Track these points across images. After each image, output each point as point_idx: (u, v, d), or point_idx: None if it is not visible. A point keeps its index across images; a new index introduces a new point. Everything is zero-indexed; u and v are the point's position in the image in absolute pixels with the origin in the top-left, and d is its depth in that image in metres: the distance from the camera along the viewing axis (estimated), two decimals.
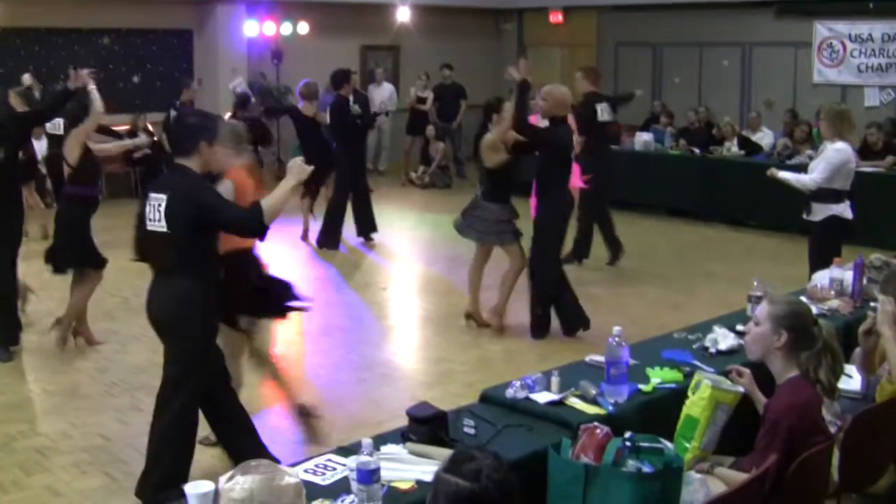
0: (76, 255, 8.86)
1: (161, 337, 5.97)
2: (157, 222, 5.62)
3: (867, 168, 13.36)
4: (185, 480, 4.98)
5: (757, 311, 4.75)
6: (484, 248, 9.63)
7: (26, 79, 13.60)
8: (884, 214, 8.85)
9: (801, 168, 10.16)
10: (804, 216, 9.07)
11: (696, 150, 16.19)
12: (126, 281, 11.20)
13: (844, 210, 8.87)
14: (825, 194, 8.81)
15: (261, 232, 5.67)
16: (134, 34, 18.70)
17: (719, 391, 4.56)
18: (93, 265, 8.95)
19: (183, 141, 5.82)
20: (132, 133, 17.52)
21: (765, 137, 16.48)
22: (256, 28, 19.42)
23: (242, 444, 6.18)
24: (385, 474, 3.91)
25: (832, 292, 6.85)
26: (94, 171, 9.00)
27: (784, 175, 9.24)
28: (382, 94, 20.29)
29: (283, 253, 12.19)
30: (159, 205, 5.60)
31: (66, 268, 8.94)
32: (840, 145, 8.80)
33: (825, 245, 8.18)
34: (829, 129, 8.91)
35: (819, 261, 7.99)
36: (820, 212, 8.88)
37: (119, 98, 18.17)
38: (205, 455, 6.75)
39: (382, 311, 10.69)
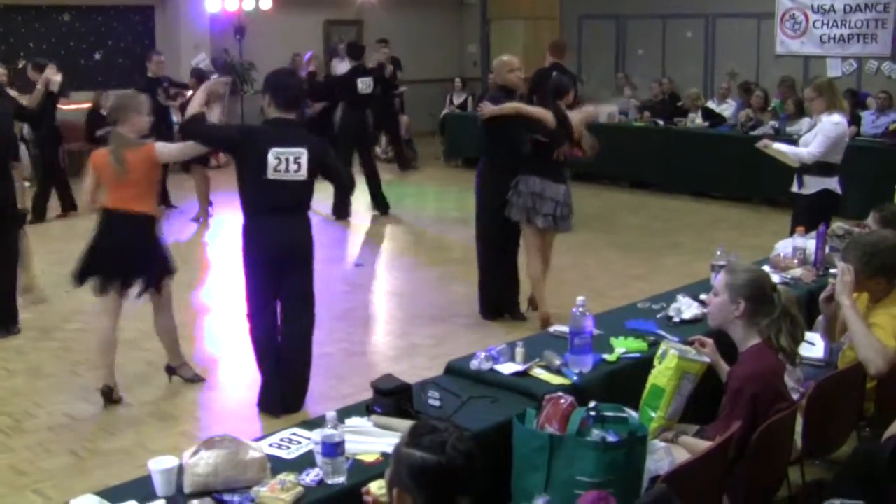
0: None
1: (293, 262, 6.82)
2: (295, 172, 6.57)
3: None
4: None
5: (716, 282, 4.78)
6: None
7: None
8: (848, 184, 8.90)
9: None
10: (794, 189, 8.97)
11: (660, 122, 16.21)
12: None
13: (836, 183, 8.83)
14: (819, 167, 8.74)
15: None
16: (94, 10, 18.52)
17: (686, 361, 4.57)
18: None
19: (292, 96, 6.80)
20: (95, 110, 17.40)
21: (728, 109, 16.52)
22: (219, 4, 19.26)
23: None
24: (350, 447, 3.92)
25: (795, 261, 6.89)
26: None
27: (779, 147, 9.14)
28: (345, 67, 20.18)
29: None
30: (298, 157, 6.57)
31: None
32: (837, 118, 8.71)
33: (816, 219, 7.87)
34: (824, 102, 8.78)
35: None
36: (813, 185, 8.79)
37: (81, 75, 18.05)
38: (171, 432, 6.75)
39: (349, 286, 10.67)
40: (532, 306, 9.07)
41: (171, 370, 7.71)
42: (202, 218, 14.08)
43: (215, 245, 12.85)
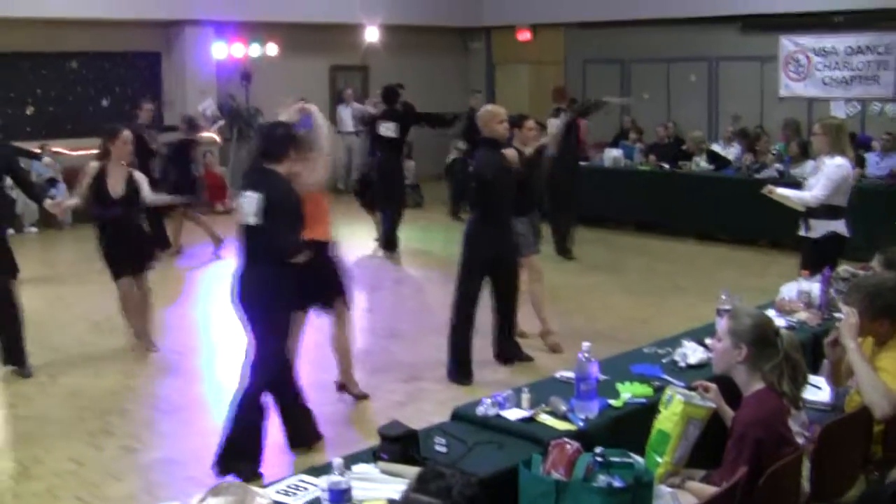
0: None
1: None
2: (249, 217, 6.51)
3: None
4: None
5: (719, 327, 4.79)
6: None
7: None
8: (853, 226, 8.90)
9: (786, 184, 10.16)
10: (801, 233, 8.92)
11: (666, 165, 16.27)
12: (96, 304, 11.20)
13: (843, 226, 8.80)
14: (825, 210, 8.71)
15: None
16: (101, 57, 18.67)
17: (691, 406, 4.58)
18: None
19: (273, 149, 6.73)
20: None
21: (733, 152, 16.57)
22: (225, 50, 19.43)
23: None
24: (356, 493, 3.92)
25: (800, 304, 6.90)
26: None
27: (783, 192, 9.10)
28: (348, 115, 20.32)
29: None
30: (250, 202, 6.49)
31: None
32: (840, 160, 8.66)
33: (823, 261, 7.74)
34: (829, 144, 8.72)
35: None
36: (819, 228, 8.77)
37: (87, 121, 18.16)
38: (177, 477, 6.75)
39: (355, 329, 10.66)
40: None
41: (340, 387, 8.31)
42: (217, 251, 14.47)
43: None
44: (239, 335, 10.23)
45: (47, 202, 9.45)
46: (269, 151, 6.73)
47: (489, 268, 8.67)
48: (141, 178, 9.40)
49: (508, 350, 9.17)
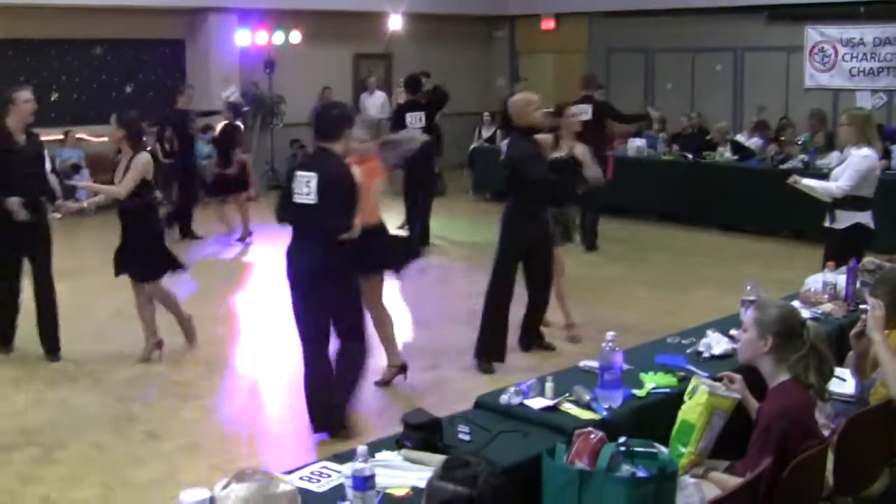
0: None
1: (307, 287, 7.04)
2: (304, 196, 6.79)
3: None
4: None
5: (745, 317, 4.76)
6: None
7: None
8: (879, 218, 8.84)
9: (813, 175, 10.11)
10: (826, 224, 8.88)
11: (689, 156, 16.20)
12: (118, 292, 11.22)
13: (868, 218, 8.78)
14: (850, 202, 8.68)
15: None
16: (126, 44, 18.71)
17: (716, 397, 4.56)
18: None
19: (327, 127, 6.99)
20: None
21: (757, 142, 16.49)
22: (248, 37, 19.43)
23: None
24: (380, 481, 3.92)
25: (825, 296, 6.86)
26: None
27: (808, 183, 9.08)
28: (375, 102, 20.32)
29: None
30: (308, 181, 6.76)
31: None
32: (866, 151, 8.64)
33: (848, 253, 7.62)
34: (856, 135, 8.71)
35: None
36: (845, 219, 8.73)
37: (111, 108, 18.16)
38: (200, 465, 6.77)
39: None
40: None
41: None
42: (248, 240, 14.60)
43: (258, 269, 12.96)
44: (262, 322, 10.33)
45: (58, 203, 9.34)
46: (324, 131, 7.00)
47: (524, 254, 8.71)
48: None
49: (530, 338, 9.19)
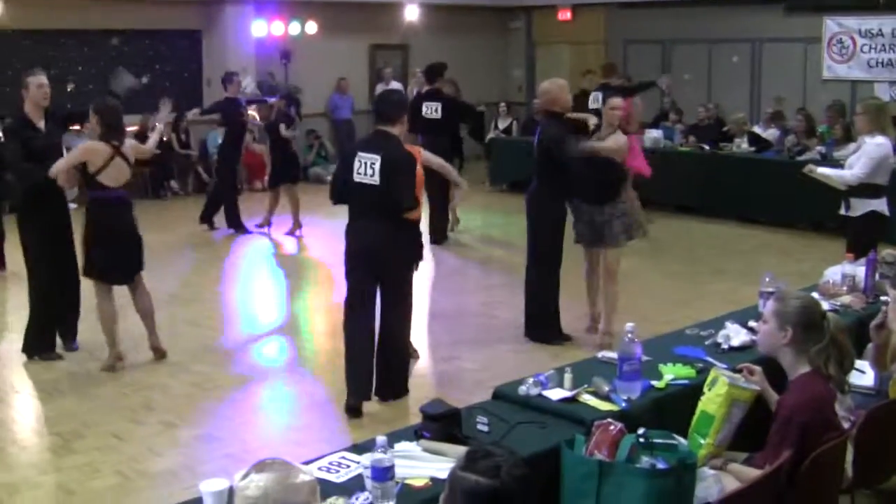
0: None
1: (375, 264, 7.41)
2: (370, 177, 7.19)
3: None
4: None
5: (764, 309, 4.75)
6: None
7: None
8: (893, 206, 8.87)
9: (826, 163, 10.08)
10: (842, 212, 8.94)
11: (706, 147, 16.15)
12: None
13: (883, 205, 8.79)
14: (865, 189, 8.70)
15: None
16: (143, 35, 18.73)
17: (736, 388, 4.55)
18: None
19: (390, 112, 7.44)
20: (142, 134, 17.58)
21: (774, 134, 16.43)
22: (265, 28, 19.44)
23: None
24: (399, 471, 3.92)
25: (844, 288, 6.83)
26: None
27: (823, 171, 9.13)
28: None
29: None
30: (372, 163, 7.16)
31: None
32: (880, 139, 8.67)
33: (864, 241, 7.87)
34: (869, 124, 8.77)
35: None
36: (860, 207, 8.75)
37: (128, 99, 18.20)
38: (217, 454, 6.78)
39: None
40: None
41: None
42: (298, 232, 14.48)
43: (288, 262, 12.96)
44: (279, 313, 10.34)
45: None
46: (386, 114, 7.44)
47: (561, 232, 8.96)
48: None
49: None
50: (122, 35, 18.48)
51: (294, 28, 19.75)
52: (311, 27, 19.93)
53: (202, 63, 19.51)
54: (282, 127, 14.28)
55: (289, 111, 14.93)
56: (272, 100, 15.61)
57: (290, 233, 14.37)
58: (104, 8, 17.46)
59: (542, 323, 9.11)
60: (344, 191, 7.44)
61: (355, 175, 7.25)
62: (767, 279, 6.33)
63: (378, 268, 7.38)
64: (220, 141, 17.86)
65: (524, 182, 9.57)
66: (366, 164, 7.21)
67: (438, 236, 13.77)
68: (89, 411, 7.60)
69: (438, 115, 13.55)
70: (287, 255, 13.52)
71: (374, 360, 7.52)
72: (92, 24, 17.81)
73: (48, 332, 8.85)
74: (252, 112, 15.88)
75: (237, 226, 14.58)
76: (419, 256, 7.78)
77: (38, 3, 16.46)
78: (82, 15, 17.36)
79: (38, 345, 8.80)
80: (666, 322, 8.27)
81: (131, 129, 17.05)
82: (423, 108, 13.52)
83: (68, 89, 17.53)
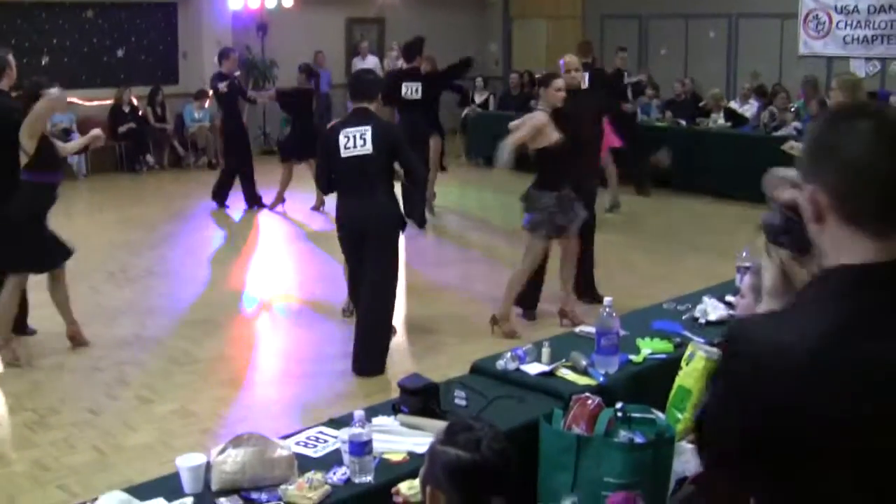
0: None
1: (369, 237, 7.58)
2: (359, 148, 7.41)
3: None
4: None
5: (742, 283, 4.74)
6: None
7: None
8: None
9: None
10: None
11: (683, 122, 16.16)
12: (111, 255, 11.22)
13: None
14: None
15: None
16: (117, 7, 18.59)
17: (713, 362, 4.54)
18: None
19: (369, 90, 7.74)
20: (117, 106, 17.52)
21: (750, 109, 16.47)
22: (241, 1, 19.31)
23: None
24: (377, 446, 3.91)
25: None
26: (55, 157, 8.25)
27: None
28: (367, 67, 20.20)
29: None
30: (362, 134, 7.41)
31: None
32: None
33: None
34: (846, 100, 8.76)
35: None
36: None
37: (103, 72, 18.12)
38: (193, 430, 6.76)
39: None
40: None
41: None
42: (280, 207, 14.43)
43: (260, 239, 12.91)
44: (257, 288, 10.32)
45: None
46: (363, 92, 7.67)
47: None
48: None
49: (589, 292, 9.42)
50: (96, 7, 18.32)
51: (270, 1, 19.63)
52: (288, 0, 19.82)
53: (178, 36, 19.38)
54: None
55: (310, 84, 14.71)
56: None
57: (271, 207, 14.30)
58: None
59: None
60: (333, 178, 7.70)
61: (343, 151, 7.41)
62: (744, 254, 6.33)
63: (371, 241, 7.55)
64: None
65: None
66: (354, 136, 7.39)
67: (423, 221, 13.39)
68: (64, 386, 7.57)
69: (418, 95, 13.03)
70: (269, 230, 13.48)
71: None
72: None
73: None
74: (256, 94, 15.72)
75: (255, 201, 14.47)
76: (404, 224, 7.96)
77: None
78: None
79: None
80: (644, 297, 8.27)
81: (106, 102, 17.12)
82: (403, 89, 12.99)
83: (43, 62, 17.41)
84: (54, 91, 7.97)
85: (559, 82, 8.46)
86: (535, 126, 8.24)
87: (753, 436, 1.95)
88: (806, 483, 1.90)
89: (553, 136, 8.20)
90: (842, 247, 1.98)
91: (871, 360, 1.86)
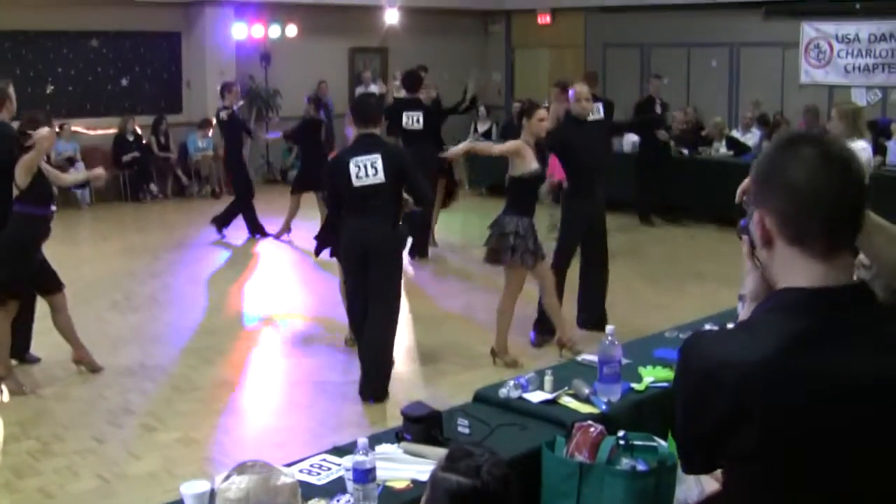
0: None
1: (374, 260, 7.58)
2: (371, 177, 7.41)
3: None
4: None
5: (740, 311, 4.76)
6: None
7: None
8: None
9: None
10: None
11: (685, 151, 16.20)
12: (115, 283, 11.25)
13: None
14: None
15: None
16: (122, 36, 18.67)
17: None
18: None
19: (374, 115, 7.81)
20: (121, 135, 17.59)
21: (752, 138, 16.51)
22: (245, 30, 19.41)
23: None
24: (380, 473, 3.92)
25: None
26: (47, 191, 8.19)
27: None
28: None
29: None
30: (373, 163, 7.39)
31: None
32: (862, 144, 8.55)
33: None
34: (848, 129, 8.64)
35: None
36: None
37: (107, 101, 18.21)
38: (196, 457, 6.77)
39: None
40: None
41: None
42: (285, 237, 14.40)
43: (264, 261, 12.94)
44: (259, 315, 10.33)
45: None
46: (367, 118, 7.68)
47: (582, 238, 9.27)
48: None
49: (595, 316, 9.44)
50: (101, 36, 18.41)
51: (274, 31, 19.74)
52: (292, 30, 19.93)
53: (182, 65, 19.47)
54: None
55: (318, 115, 14.66)
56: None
57: (277, 236, 14.32)
58: (83, 9, 17.41)
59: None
60: (344, 203, 7.65)
61: (355, 180, 7.40)
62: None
63: (374, 265, 7.54)
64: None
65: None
66: (365, 166, 7.38)
67: (423, 251, 13.31)
68: (68, 414, 7.59)
69: (420, 125, 12.92)
70: (271, 257, 13.50)
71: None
72: (71, 26, 17.75)
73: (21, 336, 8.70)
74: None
75: (257, 230, 14.50)
76: (405, 241, 8.18)
77: (15, 4, 16.38)
78: (61, 16, 17.30)
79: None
80: (645, 325, 8.29)
81: (110, 131, 17.21)
82: (404, 118, 12.90)
83: (47, 91, 17.49)
84: (44, 131, 7.90)
85: (542, 112, 8.51)
86: (511, 150, 8.45)
87: (708, 442, 2.18)
88: (755, 482, 2.11)
89: (532, 165, 8.26)
90: (790, 269, 2.13)
91: (816, 373, 2.02)
